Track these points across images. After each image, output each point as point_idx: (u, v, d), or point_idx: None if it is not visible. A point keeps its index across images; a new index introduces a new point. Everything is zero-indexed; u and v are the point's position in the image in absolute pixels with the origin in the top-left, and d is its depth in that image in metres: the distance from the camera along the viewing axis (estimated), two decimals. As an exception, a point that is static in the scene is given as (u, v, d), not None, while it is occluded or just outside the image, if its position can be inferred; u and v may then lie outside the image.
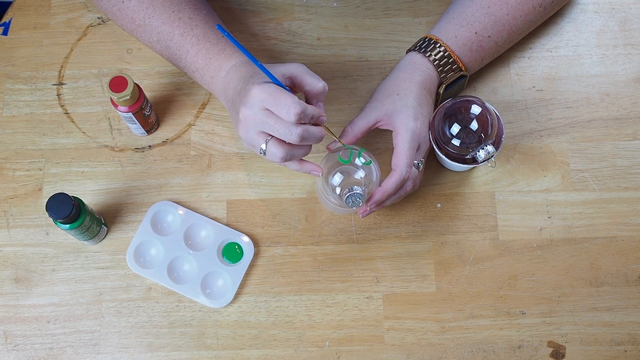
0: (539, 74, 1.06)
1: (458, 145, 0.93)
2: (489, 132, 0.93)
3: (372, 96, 0.97)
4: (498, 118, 0.94)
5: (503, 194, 1.01)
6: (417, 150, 0.93)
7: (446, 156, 0.94)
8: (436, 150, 0.95)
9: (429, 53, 0.96)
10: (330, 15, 1.08)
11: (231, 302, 0.96)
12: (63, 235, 0.99)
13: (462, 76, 0.98)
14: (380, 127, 0.95)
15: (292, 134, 0.82)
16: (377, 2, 1.09)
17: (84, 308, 0.97)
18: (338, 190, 0.90)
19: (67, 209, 0.89)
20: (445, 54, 0.96)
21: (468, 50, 0.97)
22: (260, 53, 1.06)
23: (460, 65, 0.96)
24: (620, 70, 1.06)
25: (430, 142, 0.95)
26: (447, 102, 0.94)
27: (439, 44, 0.96)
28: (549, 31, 1.08)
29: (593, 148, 1.03)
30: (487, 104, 0.93)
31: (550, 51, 1.07)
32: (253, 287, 0.98)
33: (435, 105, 0.99)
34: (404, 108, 0.93)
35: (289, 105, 0.81)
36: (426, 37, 0.98)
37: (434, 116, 0.95)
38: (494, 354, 0.95)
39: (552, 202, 1.00)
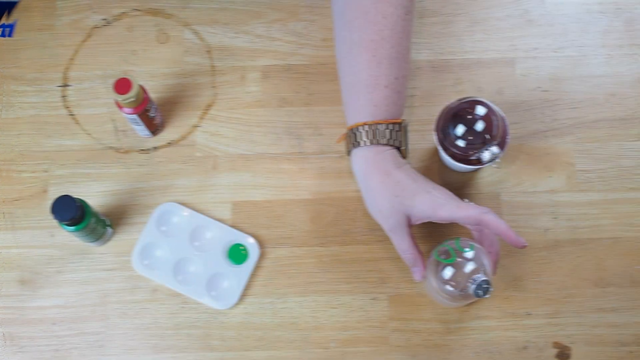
0: (544, 75, 1.06)
1: (463, 146, 0.93)
2: (494, 133, 0.92)
3: (377, 217, 0.91)
4: (503, 119, 0.94)
5: (508, 195, 1.01)
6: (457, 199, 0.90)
7: (451, 157, 0.94)
8: (441, 151, 0.95)
9: (373, 140, 0.89)
10: (335, 16, 1.08)
11: (236, 304, 0.97)
12: (68, 237, 0.99)
13: (405, 129, 0.93)
14: (416, 224, 0.91)
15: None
16: (381, 2, 1.08)
17: (89, 310, 0.97)
18: (452, 286, 0.88)
19: (71, 212, 0.89)
20: (387, 128, 0.89)
21: (392, 105, 0.90)
22: (266, 54, 1.06)
23: (399, 122, 0.91)
24: (625, 70, 1.06)
25: (436, 144, 0.94)
26: (452, 103, 0.94)
27: (372, 126, 0.89)
28: (554, 31, 1.07)
29: (598, 149, 1.02)
30: (493, 105, 0.93)
31: (556, 51, 1.07)
32: (258, 288, 0.98)
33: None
34: (417, 201, 0.88)
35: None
36: (355, 128, 0.90)
37: (439, 117, 0.94)
38: (500, 355, 0.95)
39: (557, 203, 1.00)
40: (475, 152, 0.93)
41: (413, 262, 0.92)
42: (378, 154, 0.90)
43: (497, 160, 0.92)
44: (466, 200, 0.89)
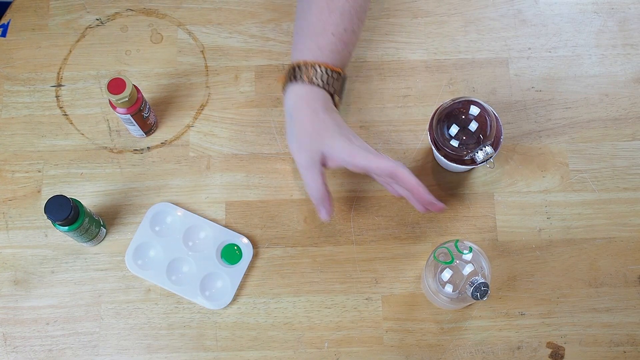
0: (538, 75, 1.06)
1: (457, 146, 0.93)
2: (487, 133, 0.92)
3: (294, 149, 0.92)
4: (497, 119, 0.94)
5: (502, 195, 1.01)
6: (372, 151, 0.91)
7: (445, 157, 0.94)
8: (435, 151, 0.95)
9: (311, 78, 0.91)
10: (329, 16, 1.08)
11: (230, 304, 0.96)
12: (62, 237, 0.99)
13: (344, 80, 0.95)
14: (330, 167, 0.92)
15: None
16: (375, 2, 1.09)
17: (83, 310, 0.97)
18: (451, 288, 0.88)
19: (65, 211, 0.89)
20: (325, 71, 0.91)
21: (336, 53, 0.93)
22: (260, 54, 1.06)
23: (339, 71, 0.93)
24: (619, 70, 1.06)
25: (430, 143, 0.95)
26: (446, 103, 0.94)
27: (312, 65, 0.91)
28: (547, 31, 1.07)
29: (592, 149, 1.03)
30: (486, 105, 0.93)
31: (549, 51, 1.07)
32: (252, 288, 0.98)
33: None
34: (337, 143, 0.89)
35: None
36: (295, 65, 0.92)
37: (433, 117, 0.94)
38: (493, 355, 0.95)
39: (551, 203, 1.00)
40: (469, 152, 0.93)
41: (321, 200, 0.91)
42: (311, 93, 0.91)
43: (490, 160, 0.92)
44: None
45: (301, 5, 0.96)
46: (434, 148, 0.94)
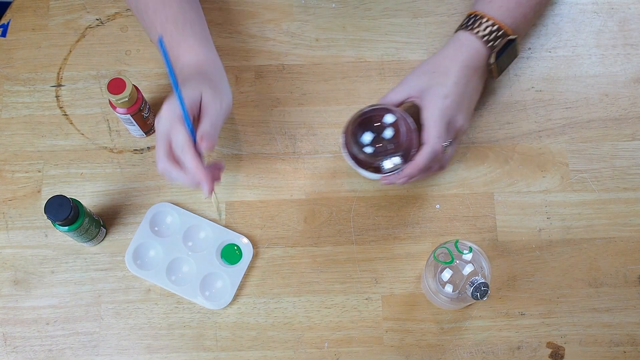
0: (538, 75, 1.06)
1: (370, 152, 0.92)
2: (401, 141, 0.92)
3: (411, 71, 0.96)
4: (413, 130, 0.92)
5: (502, 195, 1.01)
6: (447, 129, 0.93)
7: (355, 161, 0.93)
8: (344, 154, 0.94)
9: (471, 27, 0.95)
10: (329, 16, 1.08)
11: (230, 304, 0.96)
12: (62, 237, 0.99)
13: (510, 40, 0.96)
14: (412, 101, 0.95)
15: (158, 167, 0.86)
16: (375, 2, 1.09)
17: (83, 310, 0.97)
18: (451, 288, 0.88)
19: (65, 211, 0.89)
20: (488, 23, 0.94)
21: (506, 10, 0.96)
22: (259, 54, 1.06)
23: (505, 28, 0.95)
24: (619, 70, 1.06)
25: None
26: (365, 108, 0.93)
27: (478, 16, 0.95)
28: (547, 31, 1.07)
29: (592, 149, 1.03)
30: (404, 114, 0.93)
31: (549, 51, 1.07)
32: (252, 288, 0.98)
33: (491, 78, 1.00)
34: (437, 86, 0.92)
35: (159, 153, 0.85)
36: (467, 14, 0.98)
37: (349, 121, 0.94)
38: (493, 355, 0.95)
39: (551, 203, 1.00)
40: (378, 160, 0.92)
41: None
42: (466, 41, 0.96)
43: (398, 170, 0.92)
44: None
45: None
46: (344, 151, 0.94)
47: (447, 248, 0.89)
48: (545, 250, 0.99)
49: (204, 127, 0.85)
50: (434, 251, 0.89)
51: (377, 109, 0.93)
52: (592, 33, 1.08)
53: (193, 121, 0.85)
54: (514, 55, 1.00)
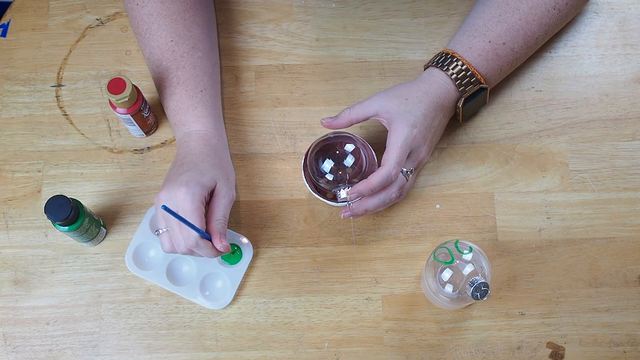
0: (538, 75, 1.06)
1: (331, 180, 0.92)
2: (363, 169, 0.93)
3: (383, 91, 0.96)
4: (371, 157, 0.94)
5: (502, 195, 1.01)
6: (408, 157, 0.93)
7: (315, 189, 0.94)
8: (303, 178, 0.95)
9: (446, 67, 0.95)
10: (329, 16, 1.08)
11: (230, 304, 0.96)
12: (62, 237, 0.99)
13: (482, 89, 0.97)
14: (377, 119, 0.95)
15: (181, 248, 0.88)
16: (375, 2, 1.09)
17: (83, 310, 0.97)
18: (451, 288, 0.89)
19: (65, 211, 0.89)
20: (463, 67, 0.95)
21: (484, 60, 0.96)
22: (260, 54, 1.06)
23: (479, 77, 0.95)
24: (619, 70, 1.06)
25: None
26: (328, 135, 0.94)
27: (455, 58, 0.95)
28: (547, 31, 1.07)
29: (592, 149, 1.03)
30: (365, 142, 0.93)
31: (549, 51, 1.07)
32: (252, 288, 0.98)
33: (456, 119, 1.00)
34: (406, 114, 0.92)
35: (189, 234, 0.86)
36: (442, 52, 0.97)
37: (309, 149, 0.94)
38: (493, 355, 0.95)
39: (551, 203, 1.00)
40: (333, 188, 0.93)
41: None
42: (440, 80, 0.96)
43: (350, 204, 0.92)
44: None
45: (477, 6, 1.01)
46: (303, 175, 0.94)
47: (447, 248, 0.89)
48: (545, 250, 0.99)
49: (217, 224, 0.88)
50: (434, 251, 0.89)
51: (340, 136, 0.94)
52: (592, 33, 1.08)
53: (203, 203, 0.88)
54: (482, 103, 1.01)
